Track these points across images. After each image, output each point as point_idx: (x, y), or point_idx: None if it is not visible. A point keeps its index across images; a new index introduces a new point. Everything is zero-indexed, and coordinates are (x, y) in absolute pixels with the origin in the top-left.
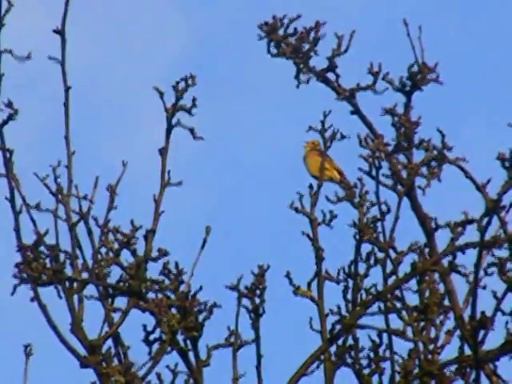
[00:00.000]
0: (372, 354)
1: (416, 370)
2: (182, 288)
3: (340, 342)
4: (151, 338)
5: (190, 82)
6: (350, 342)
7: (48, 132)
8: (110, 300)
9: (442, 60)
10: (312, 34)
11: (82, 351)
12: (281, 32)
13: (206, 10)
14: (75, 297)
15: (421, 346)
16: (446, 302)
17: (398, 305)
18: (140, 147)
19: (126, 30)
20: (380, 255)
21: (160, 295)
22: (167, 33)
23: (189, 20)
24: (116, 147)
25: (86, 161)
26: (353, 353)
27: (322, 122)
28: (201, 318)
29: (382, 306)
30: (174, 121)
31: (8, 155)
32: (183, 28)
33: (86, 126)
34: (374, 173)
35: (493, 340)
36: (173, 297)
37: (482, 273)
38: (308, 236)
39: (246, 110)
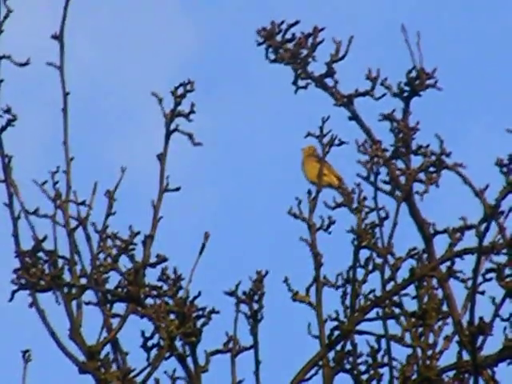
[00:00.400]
0: (370, 360)
1: (414, 376)
2: (181, 294)
3: (338, 347)
4: (149, 343)
5: (188, 87)
6: (349, 347)
7: (47, 138)
8: (108, 306)
9: (440, 65)
10: (310, 40)
11: (81, 357)
12: (279, 38)
13: (212, 13)
14: (74, 302)
15: (419, 351)
16: (445, 308)
17: (397, 310)
18: (141, 152)
19: (132, 32)
20: (378, 261)
21: (158, 301)
22: (172, 36)
23: (194, 23)
24: (119, 152)
25: (87, 166)
26: (351, 358)
27: (321, 128)
28: (199, 323)
29: (380, 311)
30: (172, 126)
31: (7, 161)
32: (188, 31)
33: (90, 131)
34: (372, 178)
35: (491, 346)
36: (171, 302)
37: (480, 278)
38: (306, 242)
39: (244, 115)
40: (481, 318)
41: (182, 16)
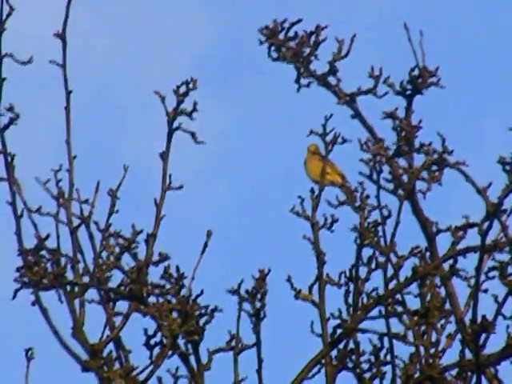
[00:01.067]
0: (373, 358)
1: (417, 374)
2: (183, 292)
3: (341, 345)
4: (152, 342)
5: (191, 85)
6: (351, 345)
7: (50, 136)
8: (111, 304)
9: (443, 63)
10: (313, 38)
11: (84, 355)
12: (281, 36)
13: (227, 7)
14: (76, 301)
15: (422, 350)
16: (447, 306)
17: (399, 309)
18: (145, 150)
19: (143, 26)
20: (381, 259)
21: (161, 299)
22: (184, 31)
23: (208, 17)
24: (122, 150)
25: (90, 164)
26: (354, 357)
27: (324, 126)
28: (202, 322)
29: (383, 309)
30: (175, 124)
31: (9, 159)
32: (201, 27)
33: (94, 128)
34: (374, 177)
35: (494, 344)
36: (174, 301)
37: (483, 277)
38: (309, 240)
39: (247, 113)
40: (483, 317)
41: (195, 9)
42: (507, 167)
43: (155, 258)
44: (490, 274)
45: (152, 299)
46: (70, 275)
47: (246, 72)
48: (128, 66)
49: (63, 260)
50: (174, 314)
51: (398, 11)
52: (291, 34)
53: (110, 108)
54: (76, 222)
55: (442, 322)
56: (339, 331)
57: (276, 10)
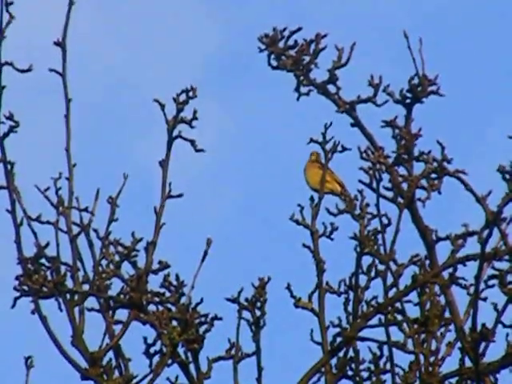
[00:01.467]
0: (373, 367)
1: (417, 383)
2: (183, 300)
3: (341, 354)
4: (152, 350)
5: (191, 93)
6: (351, 354)
7: (49, 144)
8: (110, 312)
9: (442, 71)
10: (312, 46)
11: (83, 363)
12: (281, 44)
13: (235, 13)
14: (76, 309)
15: (421, 358)
16: (447, 314)
17: (399, 317)
18: (147, 157)
19: (148, 33)
20: (381, 267)
21: (161, 307)
22: (188, 37)
23: (216, 23)
24: (122, 157)
25: (89, 172)
26: (353, 365)
27: (323, 134)
28: (201, 330)
29: (382, 318)
30: (175, 132)
31: (9, 167)
32: (210, 33)
33: (100, 137)
34: (374, 185)
35: (493, 352)
36: (173, 309)
37: (482, 285)
38: (309, 248)
39: (247, 122)
40: (483, 325)
41: (197, 11)
42: (507, 176)
43: (155, 266)
44: (490, 283)
45: (152, 307)
46: (69, 283)
47: (246, 79)
48: (129, 71)
49: (63, 268)
50: (174, 323)
51: (398, 19)
52: (291, 42)
53: (110, 116)
54: (76, 230)
55: (442, 330)
56: (339, 339)
57: (278, 12)
